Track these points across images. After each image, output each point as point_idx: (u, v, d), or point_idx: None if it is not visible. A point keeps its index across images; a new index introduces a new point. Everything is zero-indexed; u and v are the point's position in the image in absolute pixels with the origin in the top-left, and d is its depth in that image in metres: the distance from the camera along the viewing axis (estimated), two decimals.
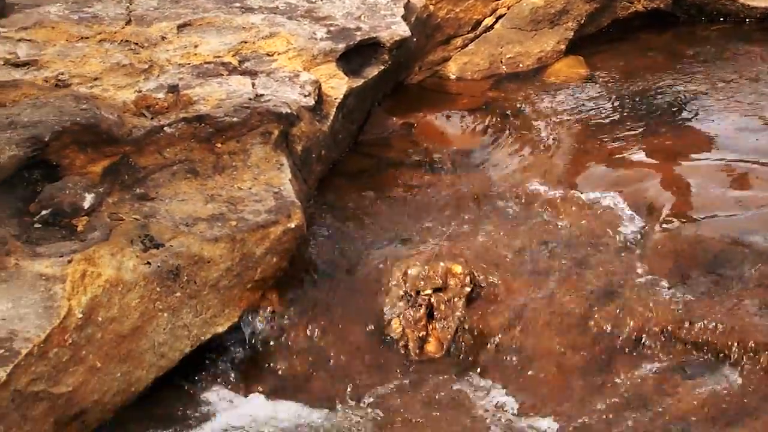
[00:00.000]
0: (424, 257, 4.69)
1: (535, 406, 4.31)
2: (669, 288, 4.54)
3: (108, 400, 4.16)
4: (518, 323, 4.54)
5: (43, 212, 4.38)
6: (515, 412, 4.28)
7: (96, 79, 5.05)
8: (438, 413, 4.32)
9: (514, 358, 4.47)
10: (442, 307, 4.59)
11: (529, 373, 4.43)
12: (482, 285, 4.63)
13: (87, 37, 5.45)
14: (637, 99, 5.79)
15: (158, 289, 4.25)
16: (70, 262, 4.13)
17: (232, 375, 4.48)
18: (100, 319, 4.10)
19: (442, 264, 4.64)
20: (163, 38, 5.49)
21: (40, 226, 4.35)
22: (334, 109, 5.25)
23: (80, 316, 4.04)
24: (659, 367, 4.36)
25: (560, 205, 4.95)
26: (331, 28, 5.65)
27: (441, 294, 4.61)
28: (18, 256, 4.16)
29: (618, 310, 4.49)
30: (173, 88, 4.94)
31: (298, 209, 4.57)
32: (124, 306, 4.17)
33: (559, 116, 5.66)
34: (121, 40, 5.44)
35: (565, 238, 4.79)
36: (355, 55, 5.58)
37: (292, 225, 4.53)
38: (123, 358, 4.18)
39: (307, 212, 4.71)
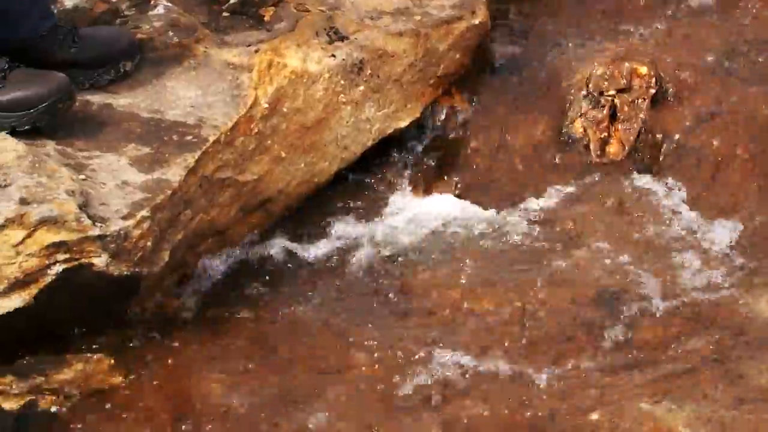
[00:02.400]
0: (609, 57, 4.60)
1: (718, 208, 4.26)
2: None
3: (291, 190, 4.24)
4: (704, 126, 4.45)
5: (232, 0, 4.42)
6: (697, 214, 4.24)
7: None
8: (618, 214, 4.30)
9: (698, 161, 4.40)
10: (626, 108, 4.53)
11: (713, 176, 4.36)
12: (668, 86, 4.54)
13: None
14: None
15: (342, 81, 4.27)
16: (257, 51, 4.18)
17: (413, 171, 4.50)
18: (285, 109, 4.15)
19: (626, 64, 4.56)
20: None
21: (228, 14, 4.39)
22: None
23: (266, 105, 4.09)
24: None
25: (757, 5, 4.80)
26: None
27: (625, 95, 4.54)
28: (207, 44, 4.22)
29: None
30: None
31: (483, 5, 4.53)
32: (309, 98, 4.20)
33: None
34: None
35: (760, 41, 4.65)
36: None
37: (476, 21, 4.50)
38: (307, 149, 4.24)
39: (491, 9, 4.65)
